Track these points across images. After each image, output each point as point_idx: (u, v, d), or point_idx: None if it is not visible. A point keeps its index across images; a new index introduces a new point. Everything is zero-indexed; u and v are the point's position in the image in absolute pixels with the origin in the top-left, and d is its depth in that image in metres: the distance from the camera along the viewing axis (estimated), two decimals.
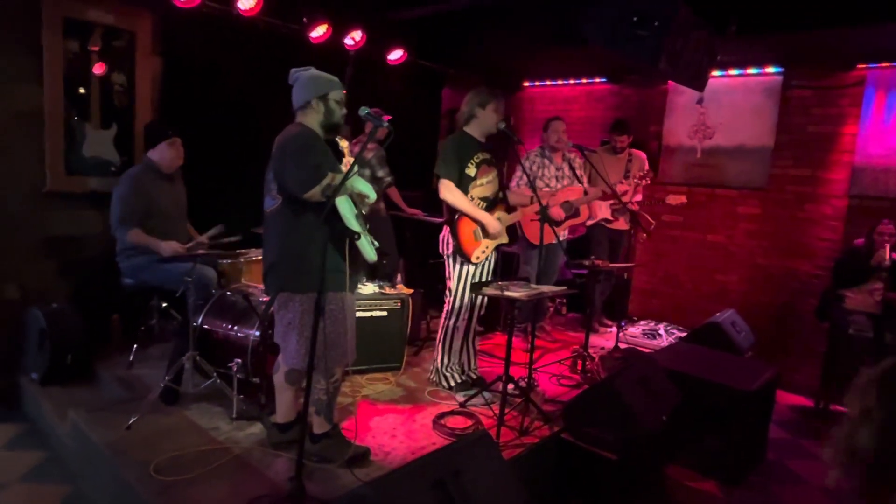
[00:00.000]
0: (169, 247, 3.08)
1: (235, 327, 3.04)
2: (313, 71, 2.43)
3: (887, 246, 3.92)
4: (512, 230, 3.67)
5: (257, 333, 2.96)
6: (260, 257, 3.49)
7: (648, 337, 4.81)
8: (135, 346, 3.51)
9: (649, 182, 4.61)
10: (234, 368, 2.87)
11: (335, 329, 2.34)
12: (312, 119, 2.40)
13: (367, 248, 2.31)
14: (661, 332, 4.90)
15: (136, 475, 2.36)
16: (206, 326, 3.08)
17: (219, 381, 2.93)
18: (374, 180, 4.40)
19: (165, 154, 3.30)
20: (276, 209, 2.36)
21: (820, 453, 3.55)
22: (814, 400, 4.27)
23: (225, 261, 3.45)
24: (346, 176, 2.18)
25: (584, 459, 2.80)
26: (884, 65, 4.36)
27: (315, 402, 2.43)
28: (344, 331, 2.38)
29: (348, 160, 2.47)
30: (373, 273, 3.70)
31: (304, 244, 2.29)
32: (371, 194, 2.36)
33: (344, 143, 2.50)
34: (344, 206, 2.27)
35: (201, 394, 2.96)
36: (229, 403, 2.87)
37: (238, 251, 3.45)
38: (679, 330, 4.98)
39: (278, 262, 2.36)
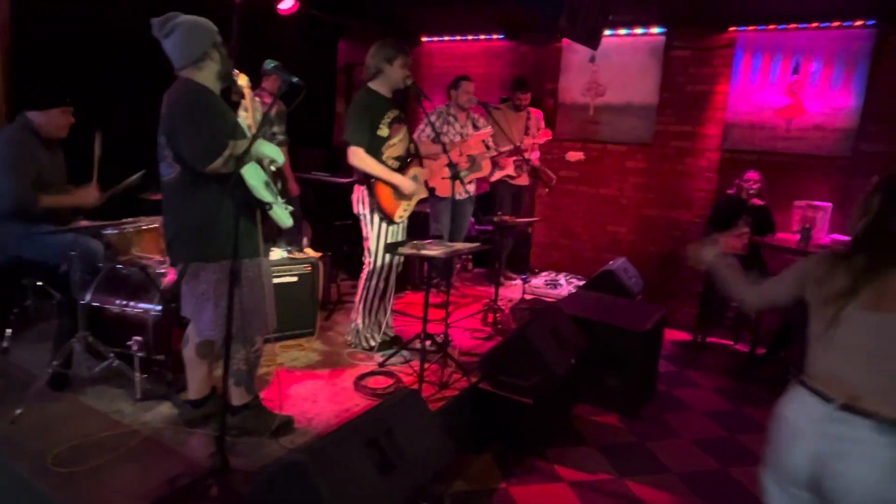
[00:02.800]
0: (90, 196, 2.88)
1: (132, 302, 2.81)
2: (188, 17, 2.16)
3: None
4: None
5: (158, 308, 2.75)
6: (150, 225, 3.22)
7: (550, 287, 5.05)
8: (8, 330, 3.13)
9: (548, 138, 4.78)
10: (135, 347, 2.66)
11: (254, 296, 2.24)
12: (208, 73, 2.19)
13: (282, 215, 2.20)
14: (562, 281, 5.17)
15: (32, 468, 2.16)
16: (96, 304, 2.81)
17: (117, 361, 2.72)
18: (269, 138, 4.17)
19: (54, 121, 2.93)
20: (175, 178, 2.17)
21: (700, 381, 4.00)
22: (692, 334, 4.77)
23: (110, 230, 3.14)
24: (253, 139, 2.03)
25: (501, 406, 2.92)
26: (751, 28, 4.77)
27: (235, 372, 2.33)
28: (263, 297, 2.28)
29: (248, 103, 2.27)
30: (278, 237, 3.55)
31: (211, 212, 2.13)
32: (279, 157, 2.23)
33: (243, 80, 2.26)
34: (251, 174, 2.12)
35: (97, 377, 2.73)
36: (131, 384, 2.68)
37: (125, 220, 3.16)
38: (577, 279, 5.28)
39: (183, 231, 2.19)
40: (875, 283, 1.47)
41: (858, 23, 4.43)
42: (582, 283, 4.99)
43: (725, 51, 4.87)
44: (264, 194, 2.17)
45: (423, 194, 3.31)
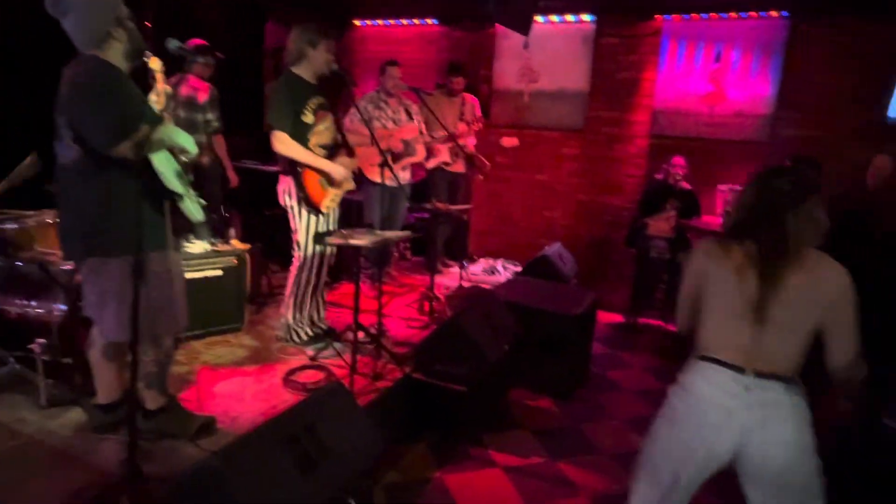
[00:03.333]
0: None
1: (34, 302, 2.59)
2: None
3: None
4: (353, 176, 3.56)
5: (63, 307, 2.55)
6: (57, 220, 2.97)
7: (488, 274, 5.06)
8: None
9: (481, 127, 4.75)
10: (38, 350, 2.46)
11: (162, 293, 2.09)
12: (115, 51, 2.01)
13: (192, 208, 2.07)
14: (500, 268, 5.19)
15: None
16: None
17: (18, 366, 2.51)
18: (205, 125, 3.96)
19: None
20: (74, 161, 1.98)
21: (631, 362, 4.10)
22: (625, 316, 4.90)
23: (9, 225, 2.88)
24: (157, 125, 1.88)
25: (436, 395, 2.89)
26: (676, 17, 4.89)
27: (145, 375, 2.19)
28: (172, 294, 2.14)
29: (160, 87, 2.11)
30: (199, 230, 3.37)
31: (112, 200, 1.97)
32: (192, 148, 2.08)
33: (155, 64, 2.10)
34: (161, 161, 1.98)
35: None
36: (34, 390, 2.48)
37: (26, 213, 2.90)
38: (514, 265, 5.32)
39: (80, 223, 2.01)
40: (765, 262, 1.56)
41: (773, 13, 4.62)
42: (519, 269, 5.01)
43: (652, 39, 4.98)
44: (175, 184, 2.03)
45: (351, 185, 3.22)
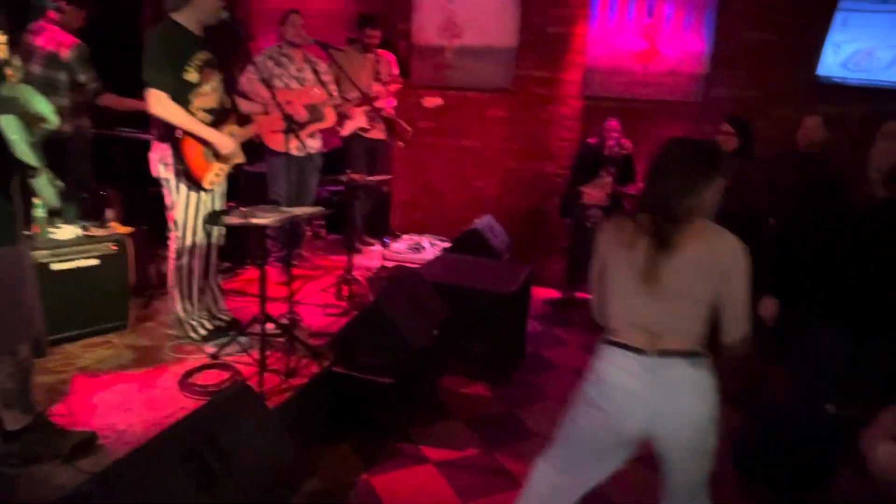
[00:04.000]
0: None
1: None
2: None
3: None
4: (251, 146, 3.41)
5: None
6: None
7: (414, 251, 5.03)
8: None
9: (399, 87, 4.66)
10: None
11: (10, 295, 1.89)
12: None
13: (47, 189, 1.88)
14: (426, 244, 5.17)
15: None
16: None
17: None
18: (74, 88, 3.62)
19: None
20: None
21: (567, 338, 4.19)
22: (561, 291, 5.03)
23: None
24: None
25: (359, 390, 2.87)
26: None
27: (1, 393, 1.99)
28: (22, 295, 1.94)
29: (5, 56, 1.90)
30: (67, 212, 3.12)
31: None
32: (52, 119, 1.89)
33: None
34: (11, 127, 1.78)
35: None
36: None
37: None
38: (442, 240, 5.31)
39: None
40: (656, 229, 1.68)
41: None
42: (447, 245, 5.03)
43: None
44: (29, 155, 1.83)
45: (241, 159, 3.08)
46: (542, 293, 5.03)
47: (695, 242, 1.66)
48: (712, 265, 1.65)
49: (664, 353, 1.67)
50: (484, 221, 4.67)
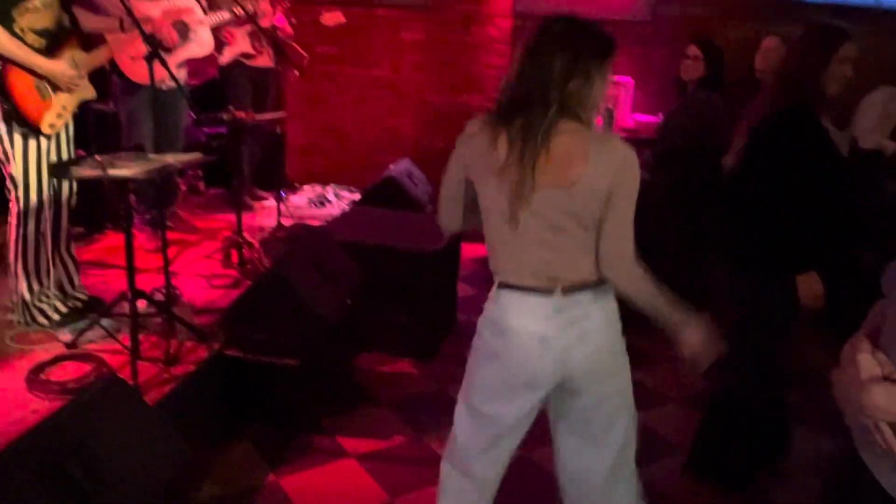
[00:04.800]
0: None
1: None
2: None
3: None
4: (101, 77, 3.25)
5: None
6: None
7: (317, 205, 4.98)
8: None
9: (289, 3, 4.50)
10: None
11: None
12: None
13: None
14: (331, 196, 5.13)
15: None
16: None
17: None
18: None
19: None
20: None
21: None
22: None
23: None
24: None
25: (258, 375, 2.86)
26: None
27: None
28: None
29: None
30: None
31: None
32: None
33: None
34: None
35: None
36: None
37: None
38: (351, 191, 5.28)
39: None
40: (542, 152, 1.66)
41: None
42: (357, 196, 5.00)
43: None
44: None
45: (90, 93, 2.96)
46: (474, 250, 5.06)
47: (577, 154, 1.65)
48: (601, 182, 1.65)
49: (569, 290, 1.73)
50: (400, 167, 4.64)
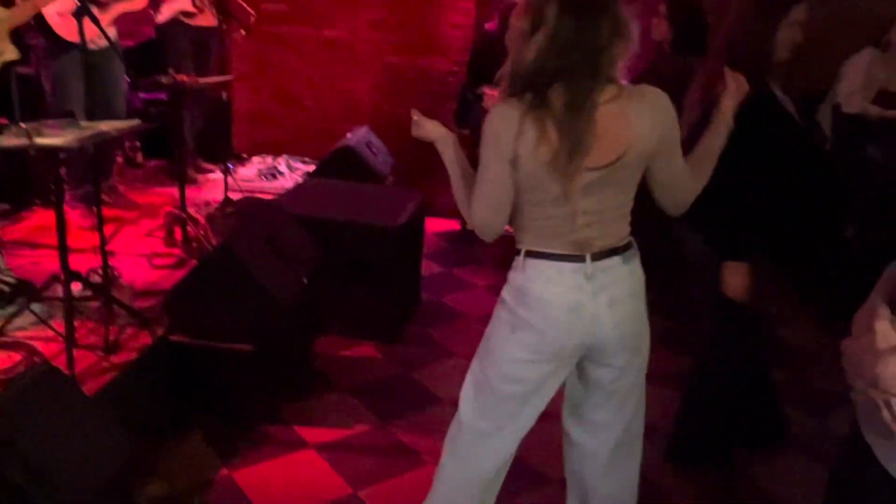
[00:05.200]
0: None
1: None
2: None
3: None
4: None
5: None
6: None
7: (267, 178, 4.98)
8: None
9: None
10: None
11: None
12: None
13: None
14: (283, 168, 5.12)
15: None
16: None
17: None
18: None
19: None
20: None
21: (473, 280, 4.30)
22: (461, 221, 5.11)
23: None
24: None
25: (208, 363, 2.86)
26: None
27: None
28: None
29: None
30: None
31: None
32: None
33: None
34: None
35: None
36: None
37: None
38: (305, 162, 5.27)
39: None
40: (590, 129, 1.67)
41: None
42: (312, 167, 4.98)
43: None
44: None
45: (11, 53, 2.97)
46: (439, 225, 5.12)
47: (621, 122, 1.68)
48: (647, 144, 1.71)
49: (599, 255, 1.77)
50: (359, 136, 4.63)
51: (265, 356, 2.88)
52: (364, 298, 3.54)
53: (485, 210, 1.80)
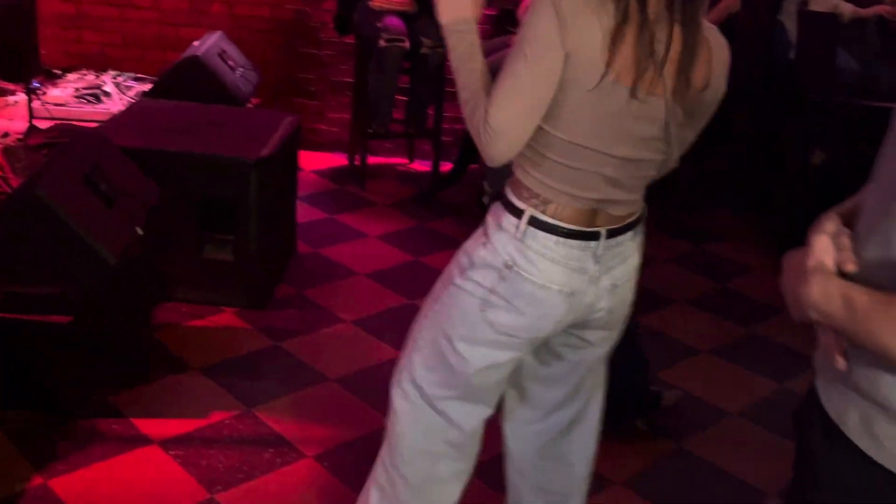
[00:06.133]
0: None
1: None
2: None
3: None
4: None
5: None
6: None
7: (89, 100, 4.91)
8: None
9: None
10: None
11: None
12: None
13: None
14: (110, 87, 5.05)
15: None
16: None
17: None
18: None
19: None
20: None
21: (362, 227, 4.27)
22: (347, 155, 5.09)
23: None
24: None
25: (14, 340, 2.77)
26: None
27: None
28: None
29: None
30: None
31: None
32: None
33: None
34: None
35: None
36: None
37: None
38: (140, 80, 5.19)
39: None
40: (694, 22, 1.67)
41: None
42: (147, 86, 4.91)
43: None
44: None
45: None
46: (319, 161, 5.09)
47: (702, 51, 1.70)
48: (718, 90, 1.77)
49: (615, 232, 1.81)
50: (209, 44, 4.52)
51: (89, 330, 2.86)
52: (221, 251, 3.52)
53: (512, 110, 1.65)
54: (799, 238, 1.20)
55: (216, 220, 3.49)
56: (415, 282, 3.88)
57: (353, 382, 3.16)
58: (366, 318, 3.59)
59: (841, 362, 1.10)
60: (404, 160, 5.32)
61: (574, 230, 1.76)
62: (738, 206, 4.97)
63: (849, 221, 1.18)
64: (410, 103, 4.94)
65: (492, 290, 1.81)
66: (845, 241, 1.13)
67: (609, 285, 1.84)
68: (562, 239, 1.77)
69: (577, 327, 1.91)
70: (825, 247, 1.13)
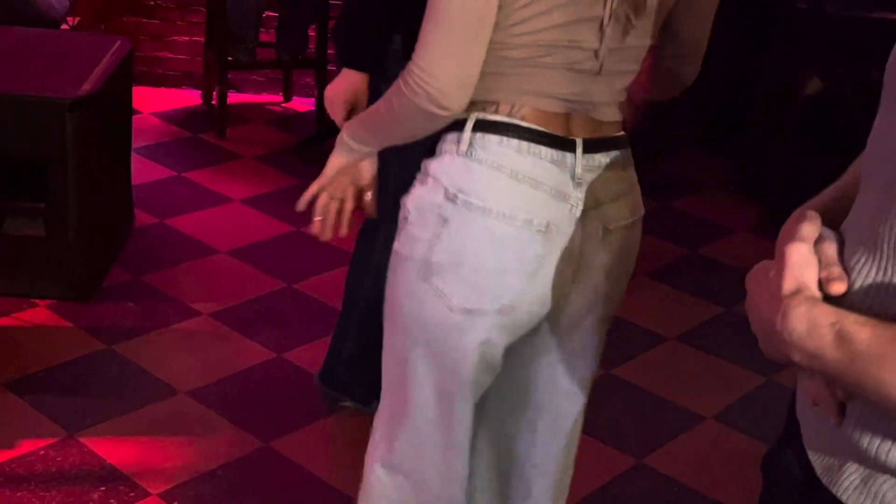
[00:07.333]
0: None
1: None
2: None
3: None
4: None
5: None
6: None
7: None
8: None
9: None
10: None
11: None
12: None
13: None
14: None
15: None
16: None
17: None
18: None
19: None
20: None
21: (224, 189, 4.27)
22: (201, 92, 5.12)
23: None
24: None
25: None
26: None
27: None
28: None
29: None
30: None
31: None
32: None
33: None
34: None
35: None
36: None
37: None
38: None
39: None
40: None
41: None
42: None
43: None
44: None
45: None
46: (160, 99, 5.04)
47: None
48: None
49: (595, 147, 1.77)
50: None
51: None
52: (26, 224, 3.52)
53: (452, 51, 1.64)
54: (787, 199, 1.12)
55: (21, 184, 3.48)
56: (295, 260, 3.91)
57: (212, 396, 3.16)
58: (228, 309, 3.60)
59: (835, 416, 1.01)
60: (278, 97, 5.32)
61: (540, 131, 1.70)
62: (711, 148, 5.12)
63: (832, 218, 1.09)
64: (284, 21, 4.92)
65: (433, 242, 1.73)
66: (830, 250, 1.03)
67: (600, 227, 1.80)
68: (524, 144, 1.70)
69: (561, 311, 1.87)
70: (804, 259, 1.02)
